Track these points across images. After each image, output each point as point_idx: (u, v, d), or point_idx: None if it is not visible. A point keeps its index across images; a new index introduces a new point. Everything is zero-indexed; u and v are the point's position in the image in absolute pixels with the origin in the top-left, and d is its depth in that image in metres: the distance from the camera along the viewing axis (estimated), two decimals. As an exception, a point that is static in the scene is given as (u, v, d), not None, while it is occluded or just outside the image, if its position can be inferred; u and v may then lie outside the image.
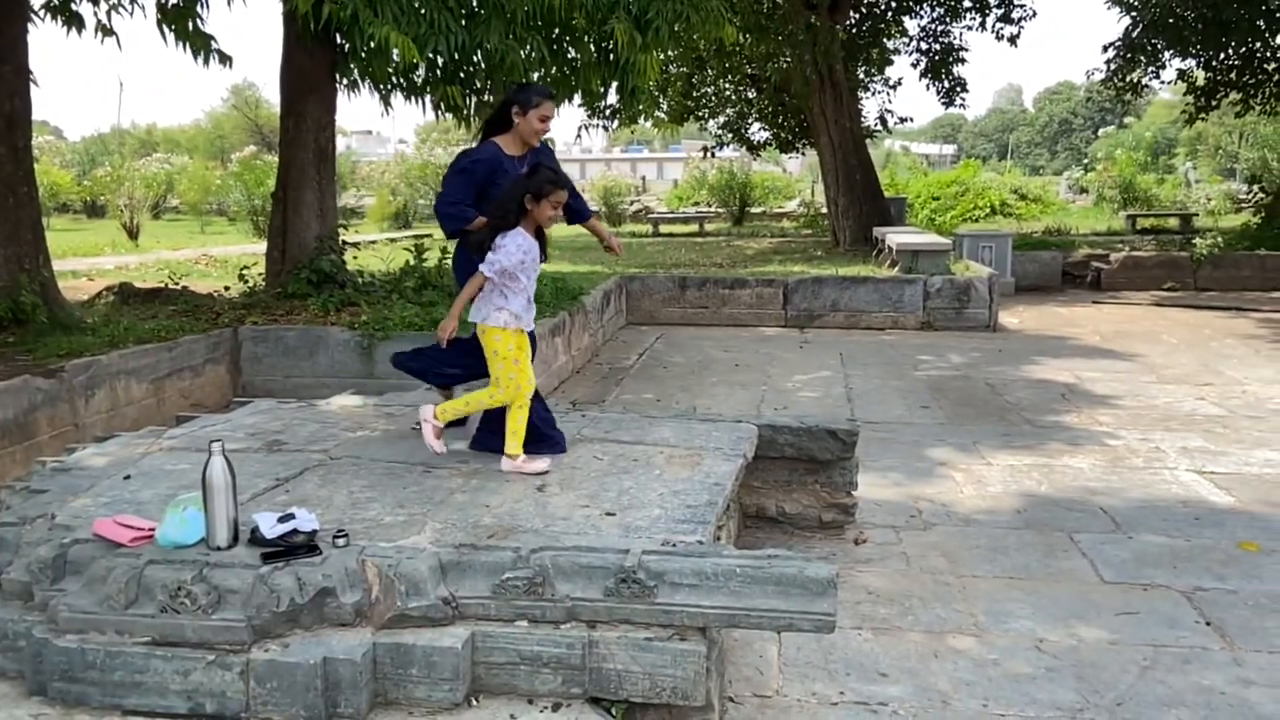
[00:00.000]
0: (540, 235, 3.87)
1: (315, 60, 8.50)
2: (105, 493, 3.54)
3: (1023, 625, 3.69)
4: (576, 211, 4.34)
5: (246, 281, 9.02)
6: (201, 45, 7.73)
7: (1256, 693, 3.20)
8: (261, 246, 11.53)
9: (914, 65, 18.64)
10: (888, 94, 20.15)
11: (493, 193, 3.95)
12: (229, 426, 4.51)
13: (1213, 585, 4.02)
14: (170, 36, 7.58)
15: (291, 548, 2.88)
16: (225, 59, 7.98)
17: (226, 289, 9.29)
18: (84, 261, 14.22)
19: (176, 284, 9.36)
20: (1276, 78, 16.52)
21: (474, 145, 4.24)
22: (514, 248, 3.73)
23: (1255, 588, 4.01)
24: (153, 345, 6.68)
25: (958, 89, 18.57)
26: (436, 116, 9.18)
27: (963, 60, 18.41)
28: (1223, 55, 16.54)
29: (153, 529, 3.00)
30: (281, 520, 2.95)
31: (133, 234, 20.56)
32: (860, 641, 3.57)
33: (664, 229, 22.15)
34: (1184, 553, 4.38)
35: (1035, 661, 3.42)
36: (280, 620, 2.76)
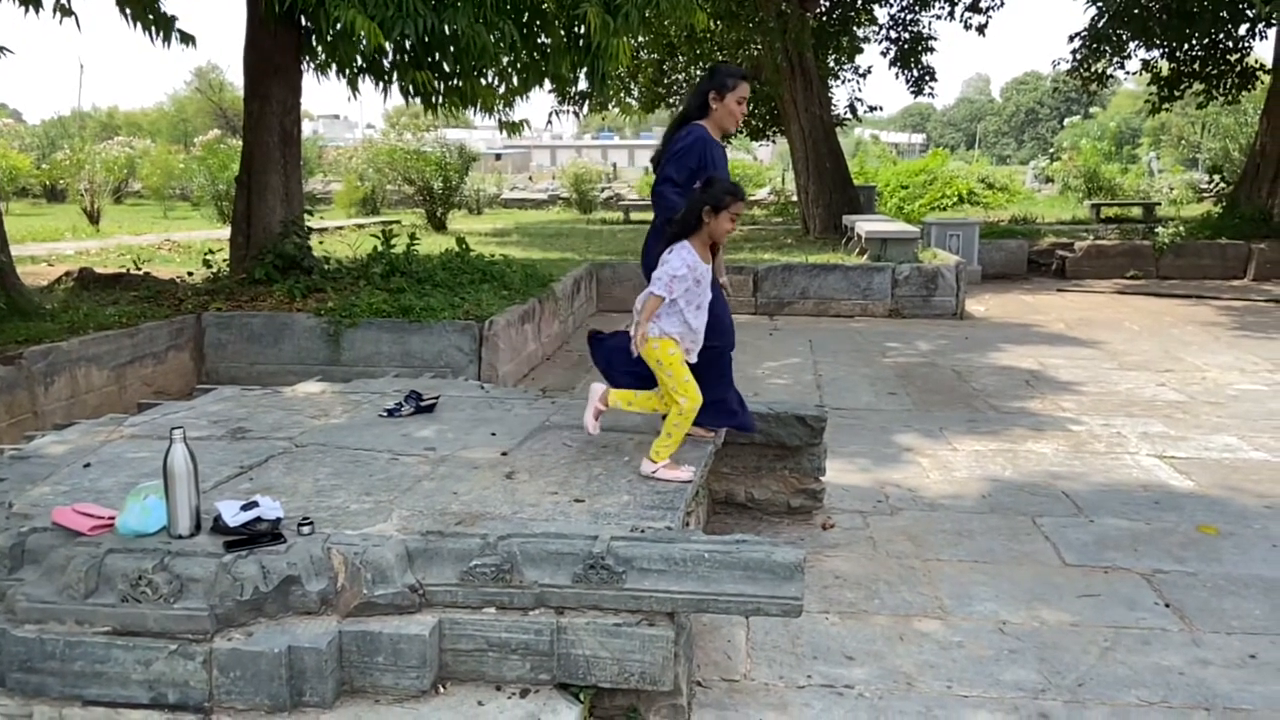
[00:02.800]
0: (714, 251, 3.76)
1: (280, 43, 8.36)
2: (65, 481, 3.48)
3: (986, 608, 3.74)
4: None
5: (210, 267, 8.90)
6: (163, 26, 7.59)
7: (1213, 672, 3.27)
8: (226, 232, 11.36)
9: (883, 54, 18.71)
10: (857, 82, 20.34)
11: (702, 176, 3.85)
12: (192, 414, 4.45)
13: (1172, 567, 4.09)
14: (130, 18, 7.43)
15: (255, 536, 2.84)
16: (188, 40, 7.84)
17: (190, 274, 9.15)
18: (43, 247, 13.93)
19: (138, 269, 9.21)
20: (1239, 69, 16.77)
21: (683, 129, 4.05)
22: (679, 262, 3.59)
23: (1213, 570, 4.09)
24: (114, 332, 6.57)
25: (926, 78, 18.67)
26: (405, 101, 9.08)
27: (931, 49, 18.51)
28: (1186, 46, 16.75)
29: (113, 517, 2.96)
30: (245, 508, 2.92)
31: (94, 219, 20.18)
32: (827, 625, 3.60)
33: (635, 216, 22.09)
34: (1144, 536, 4.45)
35: (998, 643, 3.46)
36: (244, 609, 2.73)
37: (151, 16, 7.53)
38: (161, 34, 7.63)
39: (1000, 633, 3.54)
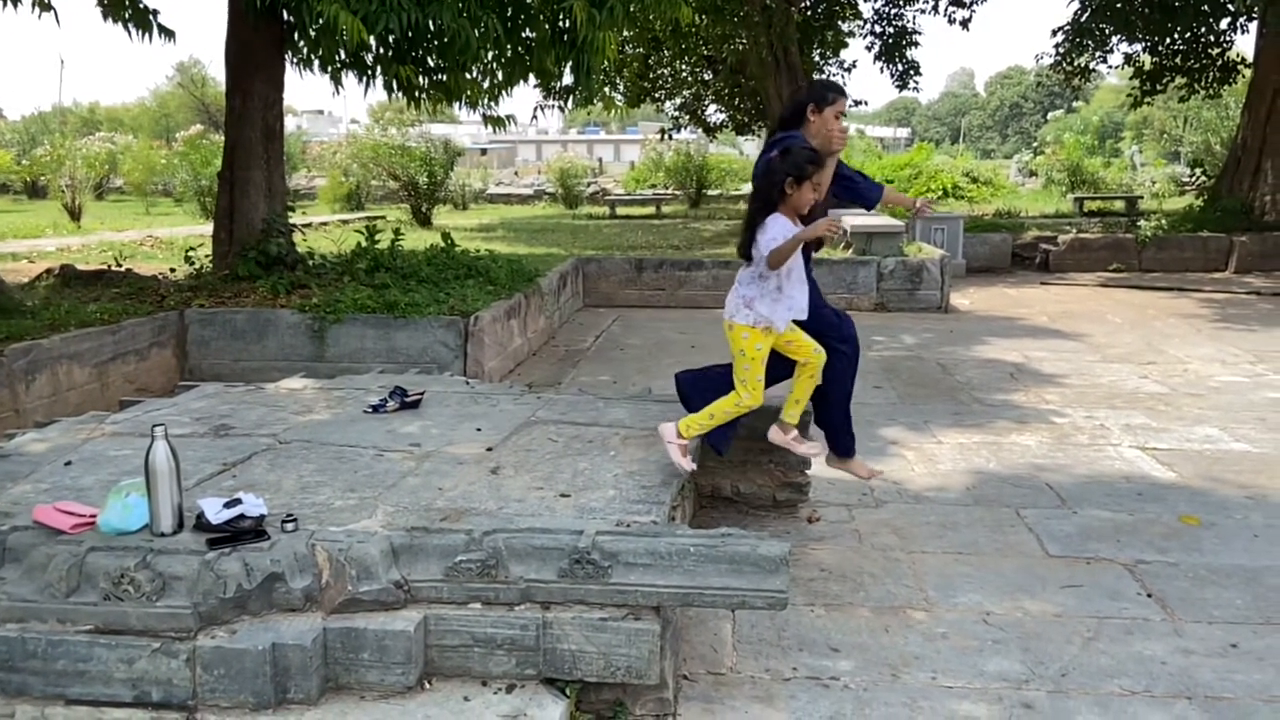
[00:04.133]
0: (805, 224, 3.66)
1: (261, 37, 8.30)
2: (46, 479, 3.46)
3: (970, 599, 3.76)
4: (862, 195, 4.17)
5: (193, 263, 8.83)
6: (142, 21, 7.52)
7: (1195, 661, 3.30)
8: (209, 228, 11.28)
9: (868, 48, 18.73)
10: (842, 77, 20.24)
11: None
12: (174, 411, 4.42)
13: (1154, 558, 4.13)
14: (111, 13, 7.36)
15: (238, 533, 2.83)
16: (168, 34, 7.77)
17: (172, 271, 9.09)
18: (24, 243, 13.81)
19: (120, 266, 9.14)
20: (1220, 62, 16.88)
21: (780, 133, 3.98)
22: (777, 231, 3.56)
23: (1195, 560, 4.12)
24: (95, 329, 6.52)
25: (911, 72, 18.71)
26: (389, 96, 9.04)
27: (916, 44, 18.54)
28: (1168, 40, 16.85)
29: (94, 515, 2.94)
30: (228, 505, 2.91)
31: (75, 215, 20.00)
32: (813, 618, 3.61)
33: (621, 211, 22.08)
34: (1127, 527, 4.49)
35: (982, 634, 3.48)
36: (227, 606, 2.71)
37: (130, 12, 7.46)
38: (141, 29, 7.56)
39: (984, 623, 3.56)
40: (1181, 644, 3.41)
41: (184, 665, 2.67)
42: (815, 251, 4.14)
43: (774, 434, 4.03)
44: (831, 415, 4.22)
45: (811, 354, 3.84)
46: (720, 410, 3.79)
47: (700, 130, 21.97)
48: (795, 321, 3.81)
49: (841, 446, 4.29)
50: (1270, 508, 4.75)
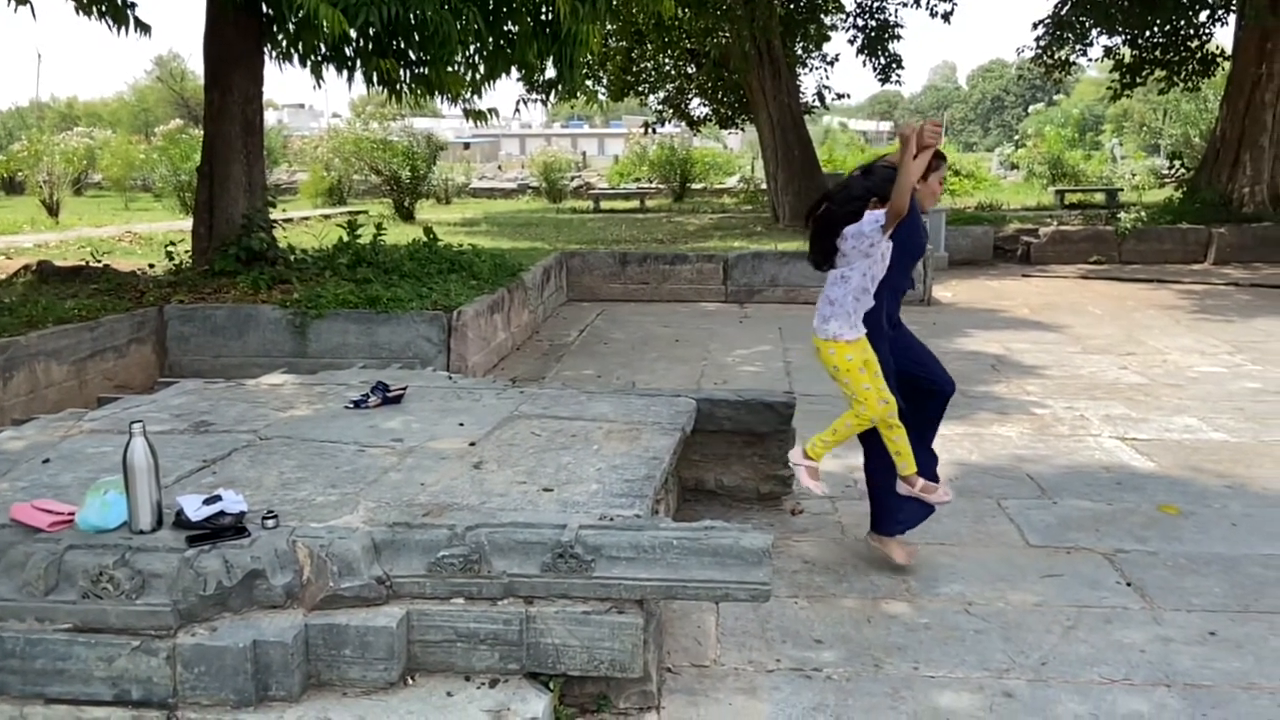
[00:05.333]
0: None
1: (241, 30, 8.24)
2: (23, 477, 3.42)
3: (952, 589, 3.78)
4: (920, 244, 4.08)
5: (173, 259, 8.77)
6: (119, 15, 7.44)
7: (1174, 649, 3.33)
8: (188, 223, 11.19)
9: (851, 42, 18.76)
10: (825, 70, 20.29)
11: (909, 245, 3.82)
12: (153, 407, 4.38)
13: (1134, 547, 4.16)
14: (85, 7, 7.28)
15: (218, 530, 2.81)
16: (144, 28, 7.70)
17: (151, 267, 9.02)
18: (1, 240, 13.66)
19: (98, 262, 9.06)
20: (1199, 55, 17.01)
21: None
22: (871, 220, 3.47)
23: (1174, 549, 4.16)
24: (73, 325, 6.46)
25: (894, 65, 18.74)
26: (369, 90, 8.99)
27: (898, 37, 18.59)
28: (1148, 33, 16.97)
29: (72, 513, 2.91)
30: (207, 502, 2.89)
31: (53, 211, 19.81)
32: (796, 609, 3.63)
33: (605, 205, 22.06)
34: (1106, 516, 4.52)
35: (964, 624, 3.51)
36: (208, 604, 2.70)
37: (106, 5, 7.38)
38: (118, 23, 7.49)
39: (966, 613, 3.59)
40: (1160, 632, 3.45)
41: (164, 663, 2.66)
42: (902, 294, 4.05)
43: (794, 454, 3.79)
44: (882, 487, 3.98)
45: (874, 406, 3.60)
46: (843, 426, 3.64)
47: (684, 124, 21.96)
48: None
49: (885, 522, 4.01)
50: (1248, 497, 4.80)
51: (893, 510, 3.97)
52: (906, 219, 3.61)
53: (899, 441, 3.64)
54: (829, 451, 3.78)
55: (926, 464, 3.99)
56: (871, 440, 3.89)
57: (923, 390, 3.97)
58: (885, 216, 3.51)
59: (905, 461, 3.65)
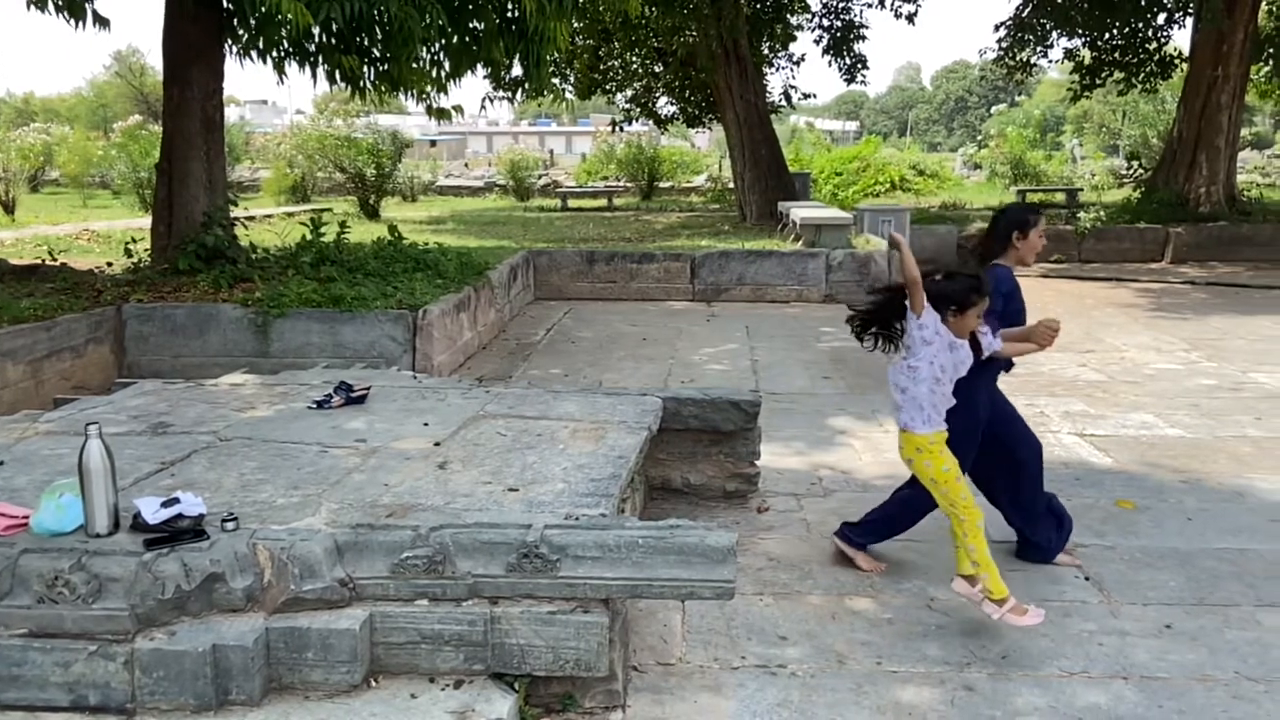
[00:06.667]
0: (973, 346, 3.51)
1: (200, 25, 8.12)
2: (-25, 481, 3.35)
3: (915, 585, 3.82)
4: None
5: (131, 257, 8.62)
6: (75, 9, 7.29)
7: (1131, 642, 3.39)
8: (147, 221, 11.02)
9: (816, 42, 18.87)
10: (791, 70, 20.47)
11: (1013, 317, 3.86)
12: (111, 409, 4.31)
13: (1092, 541, 4.23)
14: (38, 1, 7.12)
15: (176, 533, 2.77)
16: (102, 22, 7.56)
17: (109, 265, 8.87)
18: (-47, 237, 13.35)
19: (55, 260, 8.90)
20: (1158, 57, 17.32)
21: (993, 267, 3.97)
22: (930, 323, 3.40)
23: (1131, 543, 4.24)
24: (29, 325, 6.33)
25: (859, 66, 18.88)
26: (331, 86, 8.89)
27: (863, 37, 18.72)
28: (1107, 35, 17.24)
29: (27, 517, 2.86)
30: (165, 505, 2.84)
31: (8, 208, 19.39)
32: (762, 607, 3.65)
33: (572, 203, 22.01)
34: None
35: (927, 619, 3.55)
36: (166, 608, 2.66)
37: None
38: (75, 17, 7.34)
39: (928, 609, 3.63)
40: (1118, 625, 3.51)
41: (122, 668, 2.62)
42: (1006, 371, 4.07)
43: (959, 585, 3.51)
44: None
45: (965, 504, 3.44)
46: (969, 546, 3.39)
47: (651, 122, 21.96)
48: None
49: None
50: (1203, 491, 4.90)
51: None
52: (1011, 291, 3.77)
53: (982, 550, 3.38)
54: (977, 562, 3.44)
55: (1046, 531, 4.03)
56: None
57: (1002, 450, 3.95)
58: (955, 330, 3.43)
59: (993, 575, 3.36)
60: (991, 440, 3.88)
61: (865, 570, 3.93)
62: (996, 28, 18.05)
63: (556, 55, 9.55)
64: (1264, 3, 15.75)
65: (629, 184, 25.72)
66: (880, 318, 3.64)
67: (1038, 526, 3.99)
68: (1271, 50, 16.30)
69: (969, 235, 15.32)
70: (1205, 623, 3.53)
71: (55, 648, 2.64)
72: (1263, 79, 18.44)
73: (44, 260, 8.90)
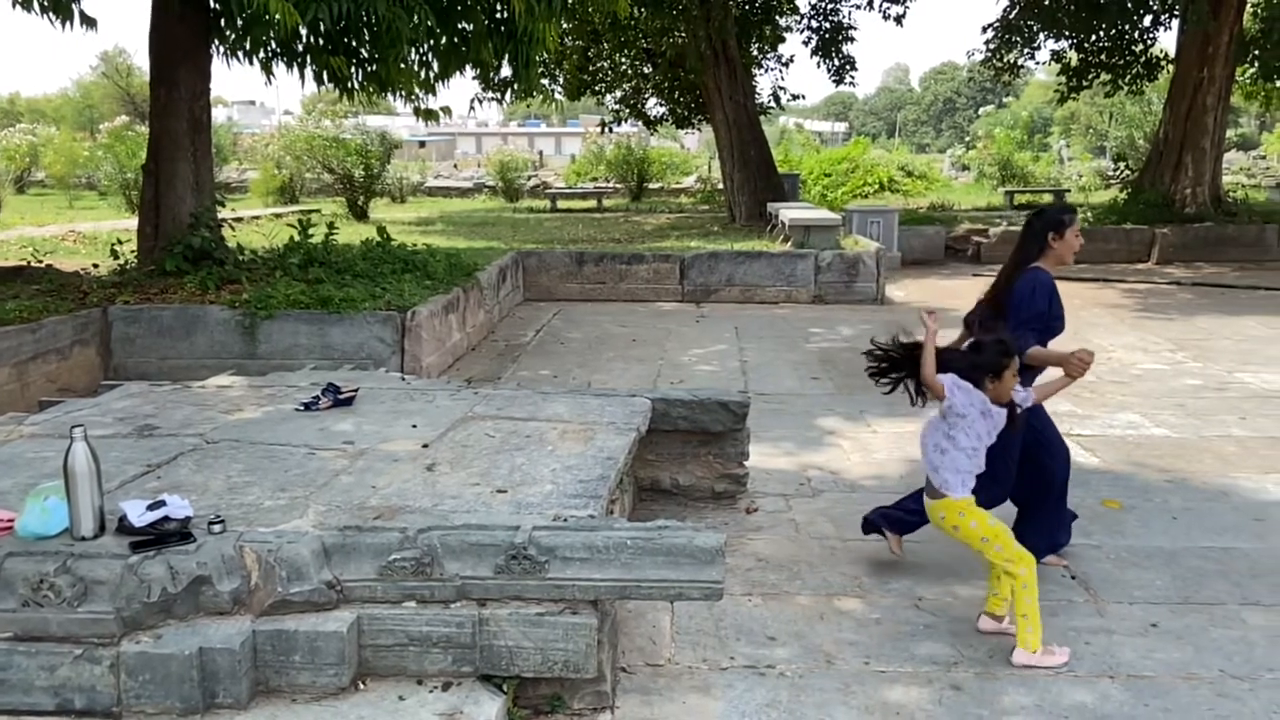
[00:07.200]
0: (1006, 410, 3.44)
1: (187, 25, 8.08)
2: (-42, 484, 3.32)
3: (903, 585, 3.84)
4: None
5: (118, 258, 8.57)
6: (61, 9, 7.25)
7: (1117, 641, 3.41)
8: (134, 222, 10.97)
9: (805, 43, 18.90)
10: (780, 71, 20.52)
11: (1054, 325, 3.88)
12: (97, 411, 4.29)
13: (1078, 540, 4.24)
14: (23, 2, 7.08)
15: (162, 536, 2.76)
16: (89, 22, 7.51)
17: (95, 267, 8.82)
18: (-63, 239, 13.26)
19: (40, 262, 8.85)
20: (1144, 59, 17.42)
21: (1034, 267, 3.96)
22: (960, 401, 3.34)
23: (1117, 543, 4.26)
24: (14, 327, 6.29)
25: (847, 67, 18.93)
26: (318, 86, 8.87)
27: (851, 39, 18.78)
28: (1094, 37, 17.33)
29: (12, 520, 2.84)
30: (151, 508, 2.83)
31: (-7, 209, 19.29)
32: (750, 607, 3.65)
33: (562, 204, 22.00)
34: (1053, 511, 4.60)
35: (914, 619, 3.56)
36: (152, 611, 2.65)
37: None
38: (61, 16, 7.29)
39: (916, 608, 3.64)
40: (1104, 624, 3.53)
41: (108, 672, 2.60)
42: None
43: (984, 624, 3.45)
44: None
45: (1019, 555, 3.31)
46: (1021, 603, 3.26)
47: (641, 123, 21.97)
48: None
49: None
50: (1189, 491, 4.93)
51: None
52: (1050, 295, 3.77)
53: (1035, 603, 3.25)
54: (1027, 615, 3.29)
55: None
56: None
57: (1036, 468, 3.95)
58: (995, 395, 3.39)
59: (1032, 628, 3.26)
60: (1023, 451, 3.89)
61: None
62: (984, 29, 18.14)
63: (545, 56, 9.59)
64: (1249, 5, 15.85)
65: (618, 185, 25.73)
66: (897, 370, 3.62)
67: (1040, 532, 3.96)
68: (1256, 52, 16.40)
69: (957, 236, 15.42)
70: (1191, 621, 3.55)
71: (40, 651, 2.62)
72: (1248, 81, 18.55)
73: (29, 262, 8.85)
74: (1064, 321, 3.97)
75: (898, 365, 3.63)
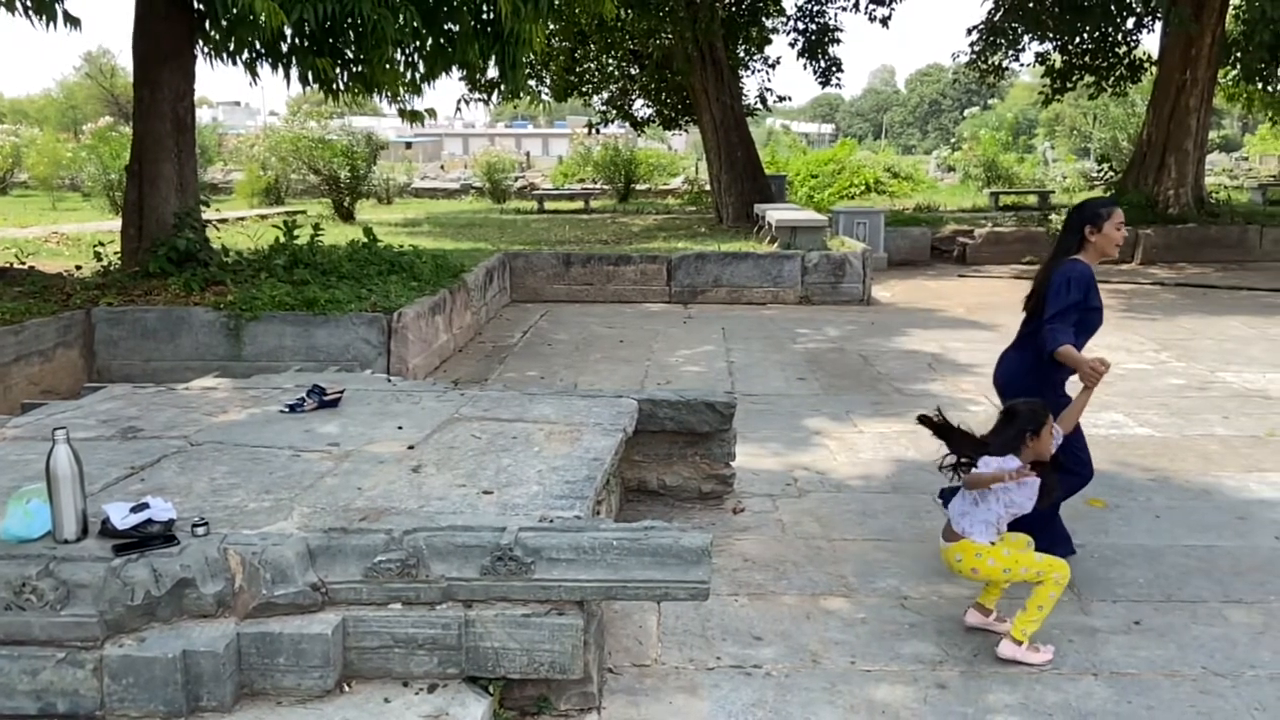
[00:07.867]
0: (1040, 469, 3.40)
1: (171, 25, 8.04)
2: (-61, 487, 3.30)
3: (889, 584, 3.85)
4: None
5: (101, 260, 8.52)
6: (44, 8, 7.19)
7: (1101, 639, 3.43)
8: (118, 223, 10.90)
9: (791, 45, 18.95)
10: (767, 73, 20.66)
11: (1090, 323, 3.86)
12: (80, 413, 4.26)
13: (1063, 540, 4.27)
14: (6, 3, 7.03)
15: (146, 538, 2.74)
16: (73, 22, 7.46)
17: (79, 268, 8.76)
18: (-82, 240, 13.14)
19: (23, 263, 8.79)
20: (1127, 61, 17.54)
21: (1072, 260, 3.92)
22: (994, 465, 3.28)
23: (1101, 541, 4.29)
24: (-4, 329, 6.24)
25: (834, 69, 18.99)
26: (304, 88, 8.83)
27: (838, 41, 18.84)
28: (1077, 39, 17.45)
29: (-8, 524, 2.82)
30: (135, 510, 2.81)
31: (-25, 211, 19.13)
32: (737, 607, 3.66)
33: (549, 206, 21.96)
34: (1038, 511, 4.63)
35: (900, 618, 3.57)
36: (135, 614, 2.63)
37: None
38: (44, 16, 7.24)
39: (902, 608, 3.66)
40: (1088, 622, 3.55)
41: (91, 675, 2.59)
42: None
43: (1004, 649, 3.33)
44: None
45: (1055, 564, 3.32)
46: (1044, 596, 3.27)
47: (628, 125, 21.98)
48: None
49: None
50: (1172, 490, 4.97)
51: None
52: (1088, 288, 3.74)
53: (1053, 605, 3.29)
54: (1035, 628, 3.31)
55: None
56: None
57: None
58: (1036, 452, 3.37)
59: (1036, 619, 3.27)
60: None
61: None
62: (969, 31, 18.23)
63: (532, 57, 9.58)
64: (1230, 7, 15.98)
65: (606, 186, 25.72)
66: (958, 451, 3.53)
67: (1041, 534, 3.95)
68: (1238, 54, 16.52)
69: (943, 237, 15.48)
70: (1173, 619, 3.58)
71: (23, 655, 2.61)
72: (1230, 83, 18.70)
73: (12, 263, 8.79)
74: (1102, 314, 3.96)
75: (953, 443, 3.55)
